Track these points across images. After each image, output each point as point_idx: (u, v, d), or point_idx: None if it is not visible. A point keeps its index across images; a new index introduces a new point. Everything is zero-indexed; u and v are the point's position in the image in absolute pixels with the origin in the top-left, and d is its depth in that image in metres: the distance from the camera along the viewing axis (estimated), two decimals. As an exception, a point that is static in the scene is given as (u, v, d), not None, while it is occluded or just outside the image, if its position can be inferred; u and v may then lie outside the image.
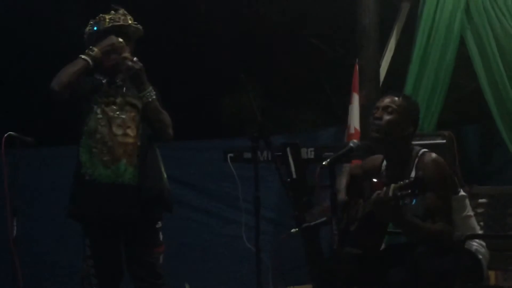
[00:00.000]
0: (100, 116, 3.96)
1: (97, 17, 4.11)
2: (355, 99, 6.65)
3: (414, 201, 3.40)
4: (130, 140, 3.95)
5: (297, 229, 3.87)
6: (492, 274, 5.51)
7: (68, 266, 6.44)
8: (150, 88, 4.00)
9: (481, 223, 4.08)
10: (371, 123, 3.70)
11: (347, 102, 6.85)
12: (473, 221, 3.72)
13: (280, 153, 4.86)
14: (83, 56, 3.96)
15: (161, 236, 4.08)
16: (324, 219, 3.68)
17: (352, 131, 6.52)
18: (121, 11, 4.12)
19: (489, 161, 8.05)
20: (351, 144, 3.60)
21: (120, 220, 3.94)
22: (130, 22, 4.11)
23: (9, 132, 4.42)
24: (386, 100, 3.70)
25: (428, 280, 3.42)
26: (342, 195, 3.71)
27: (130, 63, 3.93)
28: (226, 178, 5.22)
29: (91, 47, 4.00)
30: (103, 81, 4.04)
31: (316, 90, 10.56)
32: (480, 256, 3.64)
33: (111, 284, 3.99)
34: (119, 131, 3.94)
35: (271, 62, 10.26)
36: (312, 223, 3.92)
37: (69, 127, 4.09)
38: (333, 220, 3.42)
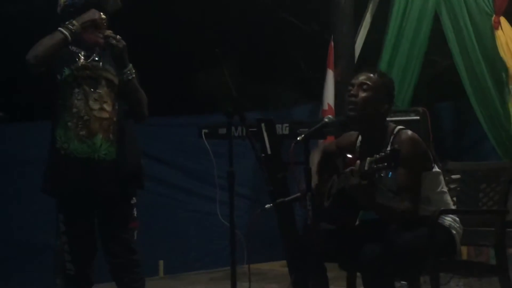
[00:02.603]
0: (76, 90, 3.90)
1: None
2: (330, 75, 6.66)
3: (389, 174, 3.41)
4: (106, 115, 3.92)
5: (271, 204, 3.87)
6: (464, 249, 5.58)
7: (41, 243, 6.42)
8: (130, 66, 3.94)
9: (454, 199, 4.10)
10: (346, 100, 3.69)
11: (323, 78, 6.85)
12: (447, 197, 3.74)
13: (255, 129, 4.85)
14: (62, 30, 3.86)
15: (135, 212, 4.06)
16: (298, 194, 3.68)
17: (325, 107, 6.53)
18: None
19: (463, 137, 8.12)
20: (326, 120, 3.59)
21: (96, 196, 3.92)
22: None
23: (-19, 108, 4.37)
24: (362, 77, 3.69)
25: (401, 255, 3.45)
26: (314, 177, 3.70)
27: (114, 41, 3.85)
28: (201, 154, 5.20)
29: (71, 20, 3.89)
30: (80, 54, 3.97)
31: (291, 66, 10.55)
32: (454, 232, 3.66)
33: (84, 260, 3.96)
34: (95, 106, 3.90)
35: (246, 38, 10.22)
36: (286, 199, 3.93)
37: (41, 102, 4.04)
38: (307, 196, 3.42)
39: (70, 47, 3.96)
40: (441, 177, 3.71)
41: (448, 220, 3.66)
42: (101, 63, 3.98)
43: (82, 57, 3.96)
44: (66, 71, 3.91)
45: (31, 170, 4.30)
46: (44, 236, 6.31)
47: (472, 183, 4.24)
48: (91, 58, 3.97)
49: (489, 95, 6.40)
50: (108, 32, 3.88)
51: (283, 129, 5.07)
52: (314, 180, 3.62)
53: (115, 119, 3.94)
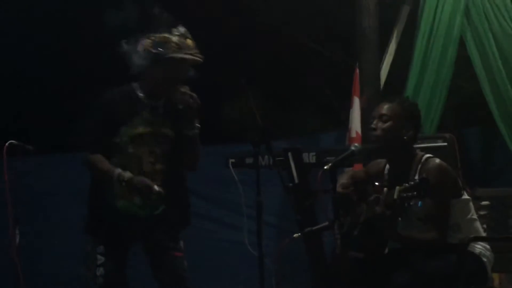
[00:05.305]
0: (131, 151, 3.78)
1: (161, 35, 3.74)
2: (356, 102, 6.64)
3: (419, 203, 3.39)
4: (158, 171, 3.84)
5: (299, 233, 3.86)
6: (496, 276, 5.50)
7: (70, 274, 6.42)
8: (196, 121, 3.84)
9: (484, 226, 4.06)
10: (368, 134, 3.71)
11: (348, 105, 6.84)
12: (477, 224, 3.71)
13: (282, 158, 4.86)
14: (116, 171, 3.69)
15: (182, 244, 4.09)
16: (326, 223, 3.68)
17: (353, 134, 6.51)
18: (183, 30, 3.77)
19: (491, 163, 8.04)
20: (353, 148, 3.59)
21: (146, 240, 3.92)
22: (199, 57, 3.82)
23: (11, 140, 4.42)
24: (380, 109, 3.70)
25: (431, 284, 3.42)
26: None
27: (191, 100, 3.74)
28: (228, 183, 5.19)
29: (128, 172, 3.71)
30: (144, 101, 3.80)
31: (317, 94, 10.56)
32: (484, 259, 3.62)
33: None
34: (148, 168, 3.80)
35: (271, 67, 10.26)
36: (314, 228, 3.92)
37: (68, 134, 4.06)
38: (335, 224, 3.41)
39: (137, 93, 3.81)
40: (471, 204, 3.68)
41: (479, 248, 3.63)
42: (162, 117, 3.83)
43: (147, 107, 3.80)
44: (123, 137, 3.76)
45: (60, 202, 4.33)
46: (74, 268, 6.32)
47: (501, 209, 4.21)
48: (156, 110, 3.81)
49: (517, 120, 6.35)
50: (185, 89, 3.76)
51: (310, 157, 5.07)
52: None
53: (165, 171, 3.85)
